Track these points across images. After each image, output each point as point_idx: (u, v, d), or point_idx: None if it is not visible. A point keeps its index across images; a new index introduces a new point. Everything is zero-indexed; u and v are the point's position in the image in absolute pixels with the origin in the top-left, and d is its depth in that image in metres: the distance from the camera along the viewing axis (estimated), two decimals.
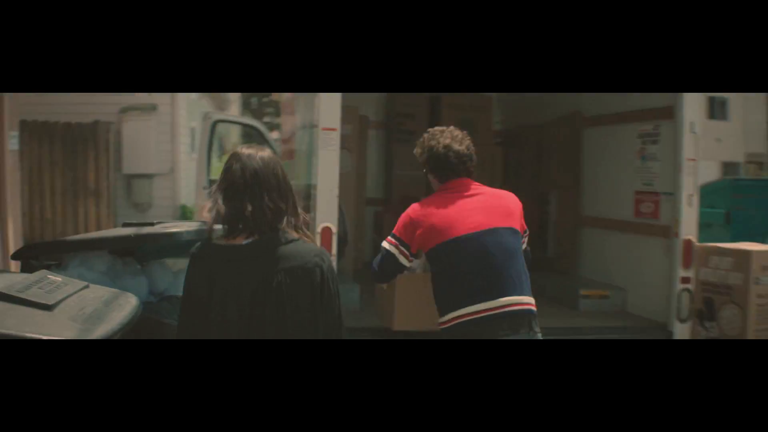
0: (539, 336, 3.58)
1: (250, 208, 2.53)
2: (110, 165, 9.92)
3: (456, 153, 3.69)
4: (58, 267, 4.18)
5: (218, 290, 2.54)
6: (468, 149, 3.74)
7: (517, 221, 3.70)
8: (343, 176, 6.70)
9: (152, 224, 4.19)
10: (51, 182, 9.85)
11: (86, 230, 9.85)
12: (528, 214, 6.57)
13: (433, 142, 3.75)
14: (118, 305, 3.41)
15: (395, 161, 7.69)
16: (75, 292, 3.32)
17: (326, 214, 4.88)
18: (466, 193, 3.69)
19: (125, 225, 4.26)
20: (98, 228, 9.81)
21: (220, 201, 2.58)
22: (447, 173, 3.73)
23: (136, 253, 4.55)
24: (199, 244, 2.67)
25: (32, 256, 4.27)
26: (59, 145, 9.80)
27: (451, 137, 3.75)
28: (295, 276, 2.52)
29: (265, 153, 2.65)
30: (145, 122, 10.29)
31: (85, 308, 3.19)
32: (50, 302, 3.06)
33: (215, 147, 12.41)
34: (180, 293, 3.54)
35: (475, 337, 3.45)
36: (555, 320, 5.49)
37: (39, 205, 9.81)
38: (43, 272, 3.54)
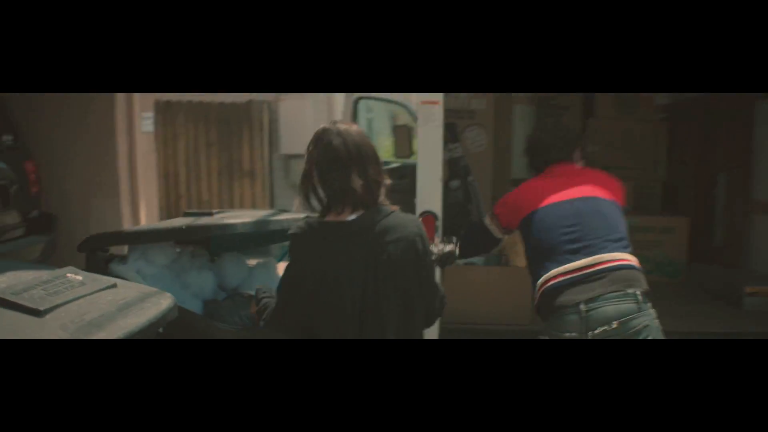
0: (648, 304, 3.18)
1: (360, 182, 2.51)
2: (264, 145, 9.70)
3: (545, 144, 3.67)
4: (120, 260, 3.84)
5: (332, 268, 2.50)
6: (557, 138, 3.69)
7: (618, 197, 3.51)
8: (477, 155, 6.10)
9: (210, 214, 3.75)
10: (207, 163, 9.78)
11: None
12: (692, 199, 5.87)
13: (528, 137, 3.86)
14: (139, 309, 2.99)
15: None
16: (88, 294, 2.94)
17: (428, 199, 4.25)
18: (561, 171, 3.59)
19: (186, 214, 3.84)
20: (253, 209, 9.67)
21: (317, 177, 2.54)
22: (540, 164, 3.70)
23: (212, 245, 4.14)
24: (300, 223, 2.58)
25: (98, 248, 3.94)
26: (214, 125, 9.69)
27: (542, 129, 3.94)
28: (402, 247, 2.52)
29: (356, 126, 2.67)
30: (301, 101, 9.99)
31: (87, 314, 2.79)
32: (42, 307, 2.69)
33: (384, 126, 12.06)
34: (252, 290, 3.13)
35: (569, 301, 3.15)
36: (712, 322, 4.72)
37: (196, 187, 9.78)
38: (66, 269, 3.18)
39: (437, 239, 3.00)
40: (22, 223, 5.90)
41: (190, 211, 3.87)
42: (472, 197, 6.08)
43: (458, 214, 6.12)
